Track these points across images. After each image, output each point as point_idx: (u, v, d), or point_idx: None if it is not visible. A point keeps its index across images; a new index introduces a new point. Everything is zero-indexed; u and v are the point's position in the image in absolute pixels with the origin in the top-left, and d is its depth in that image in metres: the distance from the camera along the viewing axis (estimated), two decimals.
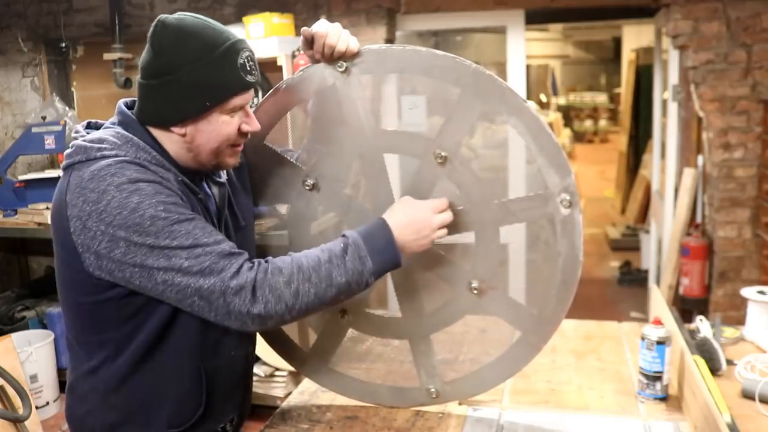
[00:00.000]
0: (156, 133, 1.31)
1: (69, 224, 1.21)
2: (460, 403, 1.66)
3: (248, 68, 1.29)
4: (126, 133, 1.29)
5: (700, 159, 3.75)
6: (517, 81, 4.08)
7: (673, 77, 4.10)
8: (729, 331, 2.01)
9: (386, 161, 1.50)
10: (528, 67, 5.74)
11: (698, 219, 3.80)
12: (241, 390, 1.49)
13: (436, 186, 1.46)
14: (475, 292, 1.48)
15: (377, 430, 1.56)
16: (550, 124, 7.10)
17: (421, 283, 1.54)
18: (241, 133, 1.33)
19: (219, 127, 1.29)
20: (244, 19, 3.81)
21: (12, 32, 4.55)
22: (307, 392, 1.76)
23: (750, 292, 1.99)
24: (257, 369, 3.42)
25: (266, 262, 1.26)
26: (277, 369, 3.46)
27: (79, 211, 1.20)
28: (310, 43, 1.42)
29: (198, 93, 1.25)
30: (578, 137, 13.40)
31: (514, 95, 1.38)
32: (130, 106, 1.35)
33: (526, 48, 4.07)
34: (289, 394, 2.10)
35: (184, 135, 1.29)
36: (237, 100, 1.29)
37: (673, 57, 4.04)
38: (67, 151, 1.29)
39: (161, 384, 1.32)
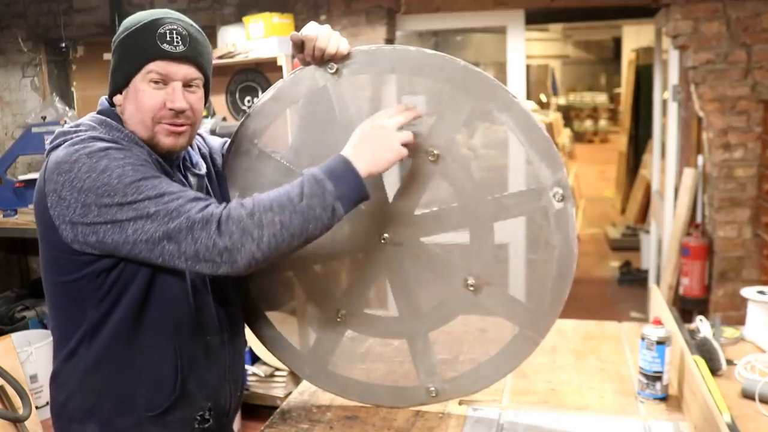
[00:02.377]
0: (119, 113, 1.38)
1: (47, 200, 1.26)
2: (460, 403, 1.66)
3: (168, 38, 1.31)
4: (101, 117, 1.36)
5: (700, 159, 3.75)
6: (517, 81, 4.08)
7: (673, 77, 4.10)
8: (729, 331, 2.01)
9: None
10: (528, 67, 5.74)
11: (698, 219, 3.80)
12: (225, 382, 1.47)
13: (430, 184, 1.47)
14: (471, 288, 1.48)
15: (377, 430, 1.56)
16: (550, 125, 7.10)
17: (416, 281, 1.53)
18: (168, 110, 1.32)
19: (141, 96, 1.32)
20: (244, 19, 3.82)
21: (12, 32, 4.55)
22: (307, 392, 1.76)
23: (750, 292, 1.99)
24: (257, 369, 3.42)
25: (232, 202, 1.29)
26: (277, 369, 3.46)
27: (54, 184, 1.25)
28: (300, 47, 1.43)
29: (123, 61, 1.33)
30: (578, 137, 13.40)
31: (504, 91, 1.40)
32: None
33: (526, 48, 4.07)
34: (289, 394, 2.10)
35: (119, 105, 1.37)
36: (153, 66, 1.31)
37: (673, 57, 4.04)
38: (49, 138, 1.36)
39: (137, 365, 1.34)
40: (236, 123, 3.82)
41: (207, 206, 1.25)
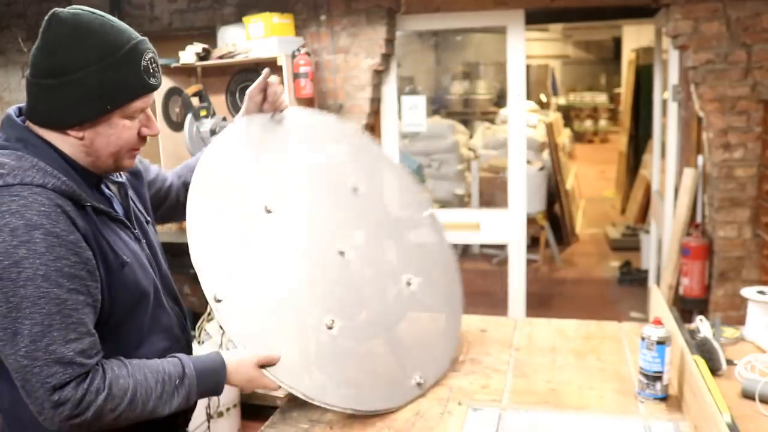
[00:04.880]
0: (50, 136, 1.25)
1: None
2: (460, 403, 1.66)
3: (151, 70, 1.26)
4: (27, 155, 1.21)
5: (700, 159, 3.75)
6: (517, 81, 4.08)
7: (673, 77, 4.10)
8: (729, 331, 2.01)
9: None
10: (528, 67, 5.76)
11: (698, 219, 3.80)
12: None
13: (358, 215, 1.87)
14: (410, 285, 1.84)
15: (377, 430, 1.56)
16: (550, 124, 7.10)
17: (370, 286, 1.79)
18: (141, 138, 1.31)
19: (119, 131, 1.26)
20: (244, 19, 3.82)
21: (12, 32, 4.55)
22: None
23: (750, 292, 1.99)
24: None
25: (104, 377, 1.21)
26: None
27: None
28: (263, 90, 1.66)
29: (98, 96, 1.21)
30: (578, 137, 13.39)
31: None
32: (22, 114, 1.29)
33: (526, 48, 4.07)
34: (289, 394, 2.10)
35: (82, 138, 1.24)
36: (138, 104, 1.26)
37: (673, 57, 4.04)
38: None
39: None
40: None
41: (67, 383, 1.16)
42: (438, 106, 8.04)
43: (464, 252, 6.35)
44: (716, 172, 3.61)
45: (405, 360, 1.75)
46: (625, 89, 8.79)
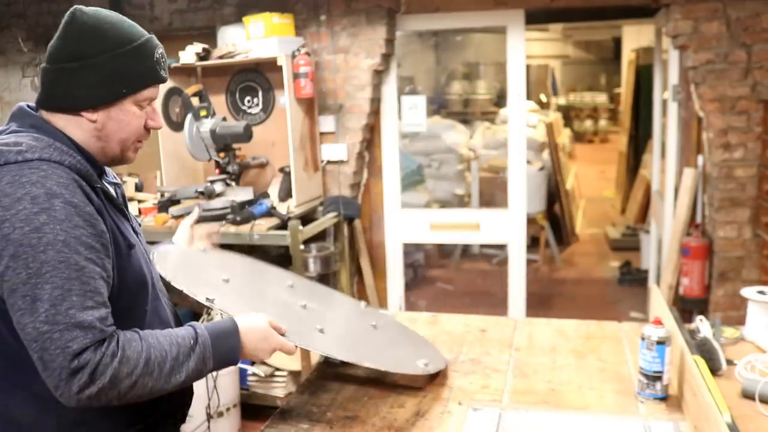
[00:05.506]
0: (62, 121, 1.31)
1: None
2: (460, 403, 1.66)
3: (162, 64, 1.36)
4: (42, 136, 1.27)
5: (700, 159, 3.75)
6: (517, 81, 4.08)
7: (673, 77, 4.10)
8: (729, 331, 2.01)
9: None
10: (528, 67, 5.75)
11: (698, 219, 3.80)
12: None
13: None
14: (376, 327, 1.94)
15: (377, 429, 1.56)
16: (550, 124, 7.10)
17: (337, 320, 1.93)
18: (146, 129, 1.38)
19: (129, 118, 1.33)
20: (244, 19, 3.82)
21: (12, 32, 4.56)
22: (307, 392, 1.76)
23: (750, 292, 1.99)
24: (257, 369, 3.42)
25: (118, 342, 1.22)
26: (277, 369, 3.46)
27: None
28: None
29: (116, 79, 1.29)
30: (578, 137, 13.38)
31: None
32: (34, 109, 1.34)
33: (526, 48, 4.07)
34: (289, 394, 2.10)
35: (95, 121, 1.31)
36: (149, 92, 1.35)
37: (673, 57, 4.04)
38: None
39: None
40: (236, 123, 3.83)
41: (85, 349, 1.17)
42: (438, 106, 8.04)
43: (464, 252, 6.35)
44: (716, 172, 3.61)
45: (404, 349, 1.86)
46: (625, 89, 8.79)
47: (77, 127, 1.31)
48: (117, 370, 1.19)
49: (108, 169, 1.47)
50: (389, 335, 1.95)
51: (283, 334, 1.44)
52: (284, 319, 1.61)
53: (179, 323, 1.53)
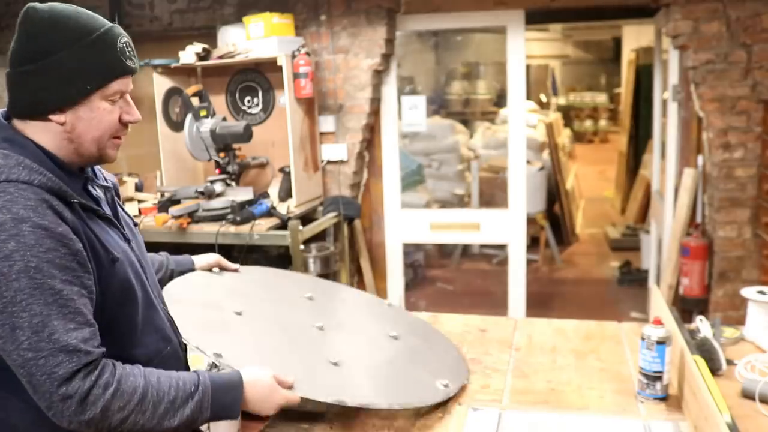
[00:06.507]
0: (31, 129, 1.26)
1: None
2: (460, 403, 1.66)
3: (127, 53, 1.29)
4: (13, 153, 1.22)
5: (700, 159, 3.75)
6: (517, 81, 4.08)
7: (673, 77, 4.10)
8: (729, 331, 2.00)
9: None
10: (528, 67, 5.75)
11: (698, 219, 3.80)
12: None
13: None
14: (397, 338, 1.88)
15: (377, 429, 1.56)
16: (550, 124, 7.10)
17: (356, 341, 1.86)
18: (122, 124, 1.32)
19: (100, 115, 1.27)
20: (244, 19, 3.82)
21: (12, 32, 4.54)
22: None
23: (750, 292, 1.99)
24: None
25: (114, 373, 1.21)
26: None
27: None
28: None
29: (78, 76, 1.23)
30: (578, 137, 13.37)
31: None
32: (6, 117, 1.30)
33: (526, 48, 4.08)
34: None
35: (63, 123, 1.25)
36: (117, 85, 1.27)
37: (673, 57, 4.04)
38: None
39: None
40: (236, 123, 3.83)
41: (75, 374, 1.15)
42: (438, 106, 8.04)
43: (464, 252, 6.35)
44: (716, 172, 3.61)
45: (424, 368, 1.78)
46: (625, 89, 8.78)
47: (47, 132, 1.26)
48: (109, 402, 1.18)
49: (99, 171, 1.44)
50: (409, 347, 1.86)
51: (290, 387, 1.42)
52: (296, 350, 1.63)
53: (176, 330, 1.52)
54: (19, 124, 1.27)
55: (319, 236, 3.90)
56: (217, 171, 3.76)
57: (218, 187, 3.65)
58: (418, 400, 1.61)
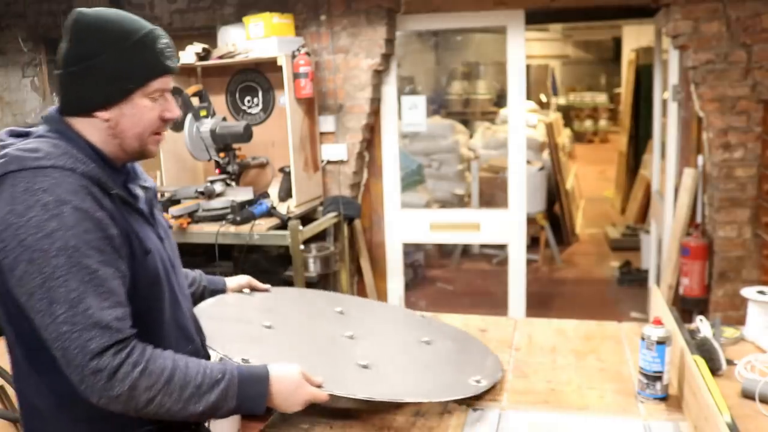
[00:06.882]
0: (81, 125, 1.34)
1: None
2: (459, 403, 1.66)
3: (167, 54, 1.36)
4: (62, 142, 1.31)
5: (700, 159, 3.75)
6: (517, 81, 4.08)
7: (673, 77, 4.10)
8: (729, 331, 2.01)
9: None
10: (528, 67, 5.74)
11: (698, 219, 3.80)
12: None
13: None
14: (429, 343, 1.87)
15: (377, 429, 1.56)
16: (550, 124, 7.10)
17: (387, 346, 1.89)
18: (162, 120, 1.39)
19: (142, 112, 1.35)
20: (244, 19, 3.82)
21: (12, 32, 4.55)
22: None
23: (750, 292, 1.99)
24: None
25: (143, 353, 1.25)
26: None
27: (1, 219, 1.22)
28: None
29: (121, 76, 1.31)
30: (578, 137, 13.37)
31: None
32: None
33: (526, 48, 4.07)
34: None
35: (108, 120, 1.33)
36: (157, 83, 1.35)
37: (673, 57, 4.04)
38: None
39: None
40: (236, 123, 3.83)
41: (106, 350, 1.21)
42: (438, 106, 8.04)
43: (464, 252, 6.35)
44: (716, 172, 3.61)
45: (456, 367, 1.80)
46: (625, 89, 8.78)
47: (94, 127, 1.34)
48: (137, 380, 1.23)
49: (140, 172, 1.51)
50: (442, 350, 1.88)
51: (318, 386, 1.44)
52: (325, 356, 1.64)
53: (198, 325, 1.56)
54: (71, 120, 1.35)
55: (319, 236, 3.90)
56: (217, 171, 3.76)
57: (218, 187, 3.65)
58: (448, 394, 1.62)
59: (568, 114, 14.01)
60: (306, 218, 3.79)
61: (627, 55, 10.41)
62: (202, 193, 3.62)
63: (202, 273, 1.87)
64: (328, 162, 4.16)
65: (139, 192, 1.45)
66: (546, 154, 6.91)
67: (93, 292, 1.22)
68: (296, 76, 3.70)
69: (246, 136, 3.63)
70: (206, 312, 1.69)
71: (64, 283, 1.20)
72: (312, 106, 3.96)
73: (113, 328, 1.22)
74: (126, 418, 1.31)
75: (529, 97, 6.07)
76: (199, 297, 1.79)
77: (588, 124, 14.43)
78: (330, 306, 2.02)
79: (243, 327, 1.72)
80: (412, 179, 5.67)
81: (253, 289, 1.96)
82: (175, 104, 1.42)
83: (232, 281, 1.92)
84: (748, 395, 1.62)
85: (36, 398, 1.34)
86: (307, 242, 3.71)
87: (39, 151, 1.26)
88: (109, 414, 1.28)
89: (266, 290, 1.98)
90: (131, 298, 1.31)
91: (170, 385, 1.26)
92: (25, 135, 1.36)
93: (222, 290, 1.88)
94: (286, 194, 3.86)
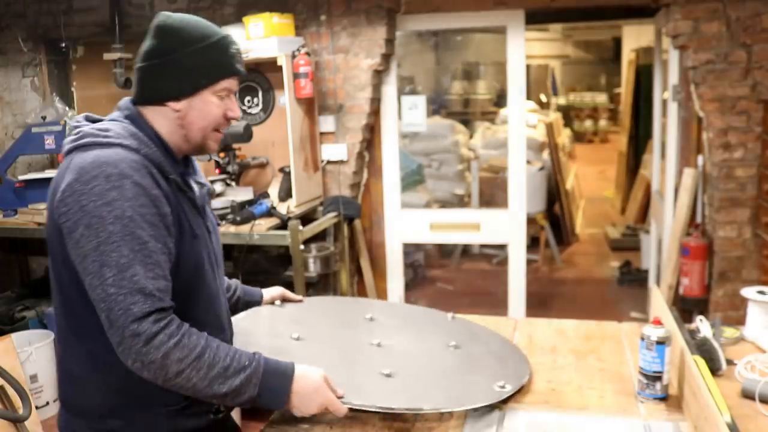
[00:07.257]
0: (151, 114, 1.46)
1: (57, 194, 1.34)
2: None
3: (237, 58, 1.50)
4: (131, 127, 1.42)
5: (700, 159, 3.75)
6: (517, 81, 4.08)
7: (673, 77, 4.10)
8: (729, 331, 2.01)
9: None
10: (528, 67, 5.75)
11: (698, 219, 3.80)
12: None
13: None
14: (457, 348, 1.88)
15: (377, 429, 1.56)
16: (550, 125, 7.10)
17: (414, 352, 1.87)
18: (225, 118, 1.50)
19: (208, 107, 1.46)
20: (244, 19, 3.82)
21: (12, 32, 4.55)
22: None
23: (750, 292, 1.99)
24: None
25: (180, 328, 1.33)
26: None
27: (67, 185, 1.32)
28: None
29: (195, 72, 1.44)
30: (578, 137, 13.37)
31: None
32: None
33: (526, 48, 4.07)
34: None
35: (178, 110, 1.45)
36: (226, 83, 1.48)
37: (673, 57, 4.05)
38: (71, 137, 1.41)
39: None
40: (236, 123, 3.81)
41: (147, 316, 1.28)
42: (438, 106, 8.04)
43: (464, 252, 6.35)
44: (716, 172, 3.61)
45: (482, 372, 1.79)
46: (625, 89, 8.79)
47: (163, 116, 1.45)
48: (170, 350, 1.29)
49: (198, 170, 1.60)
50: (470, 354, 1.87)
51: (340, 397, 1.47)
52: (349, 366, 1.66)
53: (229, 319, 1.63)
54: (142, 109, 1.47)
55: (319, 236, 3.90)
56: (217, 171, 3.76)
57: (218, 187, 3.65)
58: (469, 402, 1.60)
59: (568, 114, 14.01)
60: (306, 218, 3.79)
61: (627, 55, 10.42)
62: None
63: (239, 283, 1.93)
64: (328, 162, 4.16)
65: (195, 186, 1.54)
66: (546, 154, 6.91)
67: (141, 261, 1.30)
68: (296, 76, 3.70)
69: (246, 136, 3.63)
70: (237, 326, 1.72)
71: (117, 248, 1.28)
72: (312, 106, 3.96)
73: (156, 297, 1.30)
74: (155, 396, 1.39)
75: (529, 97, 6.07)
76: (233, 306, 1.83)
77: (588, 124, 14.43)
78: (361, 313, 2.03)
79: (271, 340, 1.75)
80: (412, 179, 5.67)
81: (286, 300, 2.00)
82: (237, 106, 1.53)
83: (267, 293, 1.97)
84: (748, 395, 1.63)
85: (74, 364, 1.43)
86: (307, 242, 3.71)
87: (109, 131, 1.38)
88: (140, 387, 1.36)
89: (300, 301, 2.03)
90: (174, 277, 1.38)
91: (200, 361, 1.32)
92: (99, 121, 1.47)
93: (257, 302, 1.93)
94: (286, 194, 3.86)
